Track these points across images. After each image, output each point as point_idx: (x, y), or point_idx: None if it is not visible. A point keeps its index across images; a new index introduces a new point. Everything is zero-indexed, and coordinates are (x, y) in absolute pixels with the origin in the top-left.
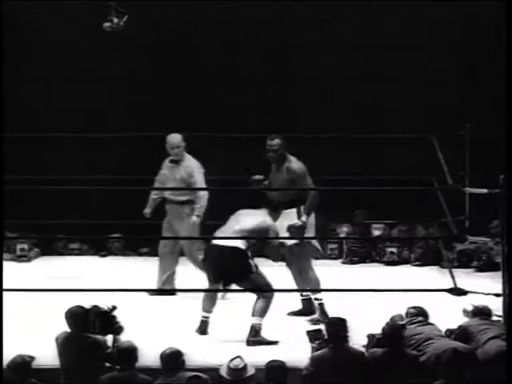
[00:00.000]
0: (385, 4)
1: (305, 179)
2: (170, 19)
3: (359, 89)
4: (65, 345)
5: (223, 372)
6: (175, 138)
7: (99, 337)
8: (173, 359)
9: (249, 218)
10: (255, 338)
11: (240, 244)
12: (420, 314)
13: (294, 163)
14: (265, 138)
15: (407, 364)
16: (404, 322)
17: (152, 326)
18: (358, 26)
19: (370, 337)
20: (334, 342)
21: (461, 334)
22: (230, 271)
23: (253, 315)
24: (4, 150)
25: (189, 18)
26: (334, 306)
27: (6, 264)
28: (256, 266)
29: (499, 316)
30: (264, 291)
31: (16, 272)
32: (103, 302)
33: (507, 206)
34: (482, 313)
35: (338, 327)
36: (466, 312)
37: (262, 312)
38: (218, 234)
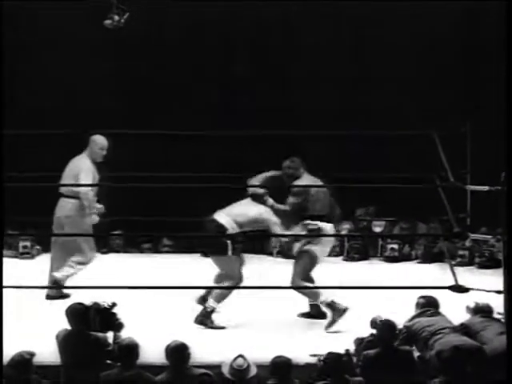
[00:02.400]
0: (384, 4)
1: None
2: (165, 18)
3: (361, 87)
4: (65, 342)
5: (225, 371)
6: (105, 140)
7: (100, 334)
8: (179, 352)
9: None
10: (203, 318)
11: (225, 223)
12: (430, 304)
13: None
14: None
15: (401, 362)
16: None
17: (153, 323)
18: (358, 27)
19: (358, 341)
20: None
21: (463, 331)
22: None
23: (211, 298)
24: (4, 147)
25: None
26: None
27: (9, 261)
28: (235, 252)
29: (501, 314)
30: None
31: (21, 269)
32: (104, 298)
33: (507, 205)
34: (482, 311)
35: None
36: (469, 309)
37: (221, 298)
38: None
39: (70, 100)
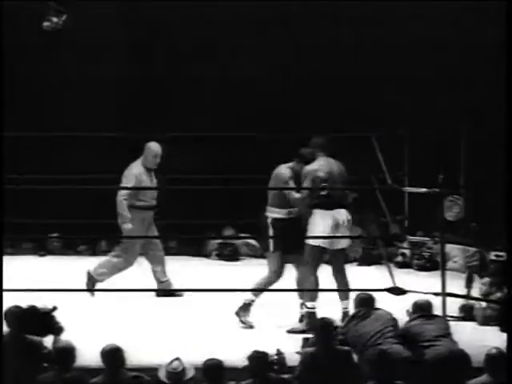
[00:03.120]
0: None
1: None
2: (165, 19)
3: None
4: (3, 344)
5: (162, 375)
6: (159, 147)
7: (35, 337)
8: (113, 355)
9: None
10: (240, 310)
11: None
12: (364, 304)
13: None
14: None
15: (339, 362)
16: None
17: (92, 326)
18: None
19: (304, 340)
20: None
21: (403, 335)
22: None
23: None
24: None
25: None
26: (271, 304)
27: None
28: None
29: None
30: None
31: None
32: (44, 302)
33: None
34: (422, 309)
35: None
36: (408, 313)
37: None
38: None
39: (70, 101)
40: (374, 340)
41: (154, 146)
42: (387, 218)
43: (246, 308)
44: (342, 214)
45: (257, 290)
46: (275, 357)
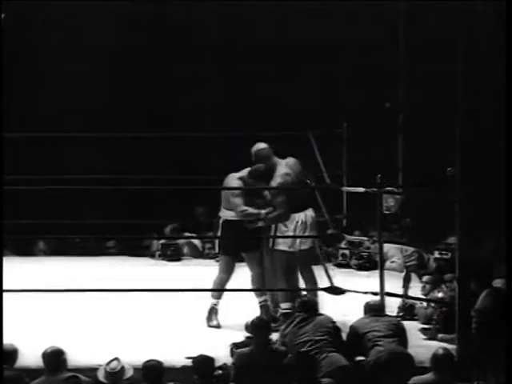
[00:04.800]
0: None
1: None
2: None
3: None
4: None
5: (100, 376)
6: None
7: None
8: (54, 358)
9: None
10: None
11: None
12: (307, 308)
13: None
14: None
15: (273, 360)
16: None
17: (34, 327)
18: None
19: (232, 345)
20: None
21: (351, 334)
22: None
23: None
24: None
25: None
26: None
27: None
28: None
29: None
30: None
31: None
32: None
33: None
34: (373, 309)
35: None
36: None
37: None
38: None
39: (70, 100)
40: (312, 349)
41: (259, 148)
42: (326, 218)
43: (211, 313)
44: (308, 215)
45: (212, 291)
46: (220, 371)
